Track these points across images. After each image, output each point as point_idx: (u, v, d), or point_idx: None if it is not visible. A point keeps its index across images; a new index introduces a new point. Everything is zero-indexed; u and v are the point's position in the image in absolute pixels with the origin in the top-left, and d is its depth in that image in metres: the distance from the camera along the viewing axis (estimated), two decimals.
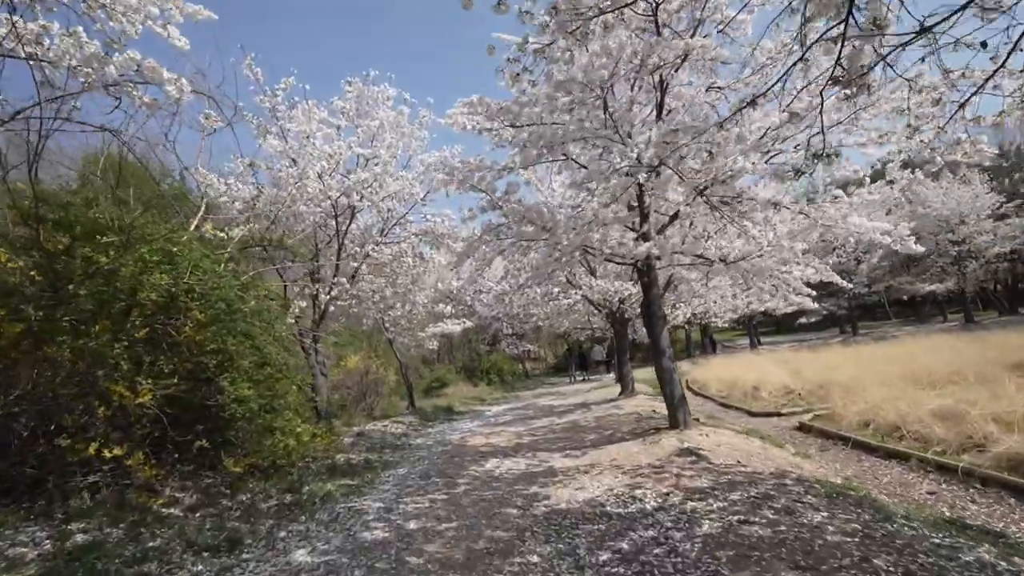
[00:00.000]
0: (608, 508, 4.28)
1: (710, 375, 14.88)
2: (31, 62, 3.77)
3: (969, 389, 7.08)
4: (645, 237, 6.71)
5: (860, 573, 2.72)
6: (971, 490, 4.62)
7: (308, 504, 5.26)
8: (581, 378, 22.37)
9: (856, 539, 3.10)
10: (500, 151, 7.55)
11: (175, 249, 5.05)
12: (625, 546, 3.43)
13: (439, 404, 14.55)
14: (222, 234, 6.55)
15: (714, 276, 10.21)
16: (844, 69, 2.83)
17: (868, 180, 7.34)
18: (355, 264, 9.85)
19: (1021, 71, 3.58)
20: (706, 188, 5.60)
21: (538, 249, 8.56)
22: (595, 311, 13.97)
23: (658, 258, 7.14)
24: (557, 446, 7.38)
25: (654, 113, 6.72)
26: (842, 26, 2.74)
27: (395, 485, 6.00)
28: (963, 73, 3.85)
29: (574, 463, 6.12)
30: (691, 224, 8.54)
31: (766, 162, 5.71)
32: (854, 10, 2.62)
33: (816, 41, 2.81)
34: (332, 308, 9.96)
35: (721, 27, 6.10)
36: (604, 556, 3.32)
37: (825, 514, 3.61)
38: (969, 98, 3.86)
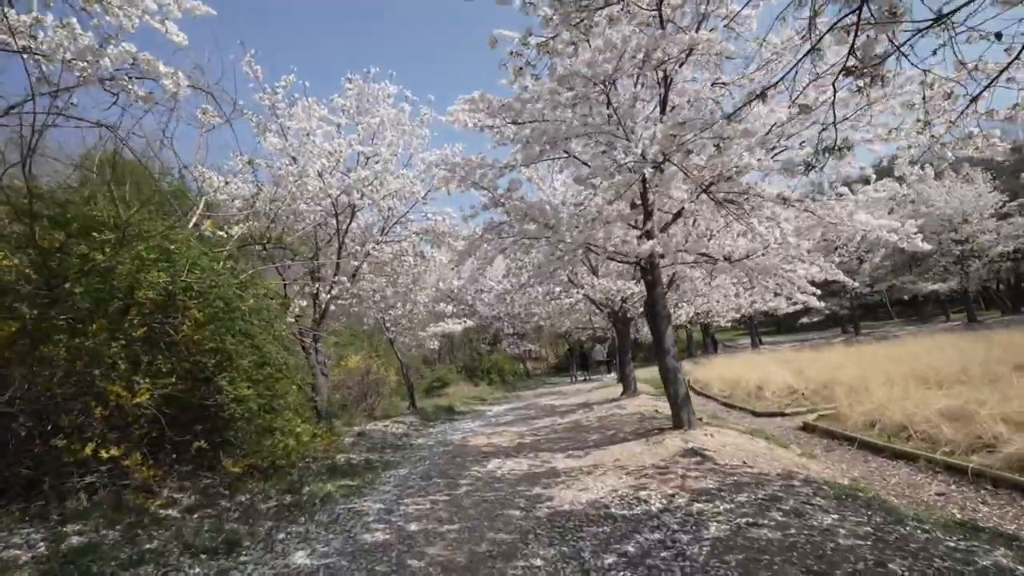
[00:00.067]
0: (612, 510, 4.20)
1: (712, 375, 14.80)
2: (25, 55, 3.70)
3: (976, 389, 7.00)
4: (649, 235, 6.63)
5: None
6: (982, 491, 4.54)
7: (308, 505, 5.19)
8: (582, 378, 22.29)
9: (869, 543, 3.02)
10: (502, 149, 7.48)
11: (173, 247, 4.98)
12: (631, 549, 3.36)
13: (440, 404, 14.48)
14: (221, 232, 6.48)
15: (718, 275, 10.14)
16: (858, 59, 2.75)
17: (874, 177, 7.28)
18: (356, 263, 9.78)
19: None
20: (711, 184, 5.52)
21: (540, 248, 8.49)
22: (597, 310, 13.89)
23: (662, 256, 7.06)
24: (559, 446, 7.30)
25: (657, 110, 6.64)
26: (855, 15, 2.66)
27: (396, 486, 5.93)
28: (976, 66, 3.76)
29: (577, 464, 6.05)
30: (694, 222, 8.46)
31: (772, 158, 5.63)
32: None
33: (829, 30, 2.73)
34: (333, 307, 9.89)
35: (726, 22, 6.02)
36: (609, 560, 3.24)
37: (835, 516, 3.53)
38: (982, 91, 3.78)
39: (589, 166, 6.61)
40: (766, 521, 3.51)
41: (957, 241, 25.30)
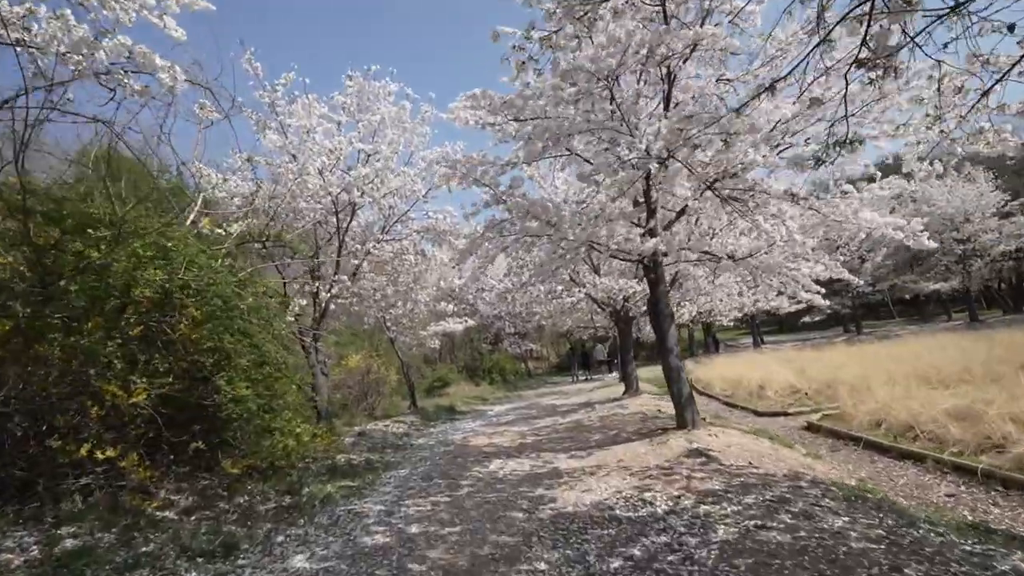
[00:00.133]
0: (617, 512, 4.12)
1: (714, 374, 14.73)
2: (18, 48, 3.63)
3: (983, 388, 6.93)
4: (652, 233, 6.56)
5: None
6: (992, 493, 4.47)
7: (307, 507, 5.12)
8: (584, 377, 22.23)
9: (882, 546, 2.94)
10: (503, 147, 7.40)
11: (170, 244, 4.90)
12: (637, 552, 3.28)
13: (441, 404, 14.41)
14: (220, 230, 6.41)
15: (721, 273, 10.06)
16: (870, 50, 2.68)
17: (879, 175, 7.20)
18: (356, 261, 9.70)
19: None
20: (716, 181, 5.44)
21: (541, 246, 8.41)
22: (598, 309, 13.81)
23: (665, 254, 6.98)
24: (562, 446, 7.23)
25: (661, 106, 6.57)
26: (868, 3, 2.58)
27: (396, 487, 5.85)
28: (988, 59, 3.68)
29: (580, 464, 5.97)
30: (697, 220, 8.39)
31: (778, 155, 5.56)
32: None
33: (842, 19, 2.65)
34: (333, 306, 9.82)
35: (730, 17, 5.96)
36: (615, 564, 3.17)
37: (846, 519, 3.46)
38: (993, 85, 3.70)
39: (592, 164, 6.54)
40: (775, 524, 3.43)
41: (959, 240, 25.23)
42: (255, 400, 5.32)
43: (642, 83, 6.60)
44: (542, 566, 3.26)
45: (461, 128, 6.96)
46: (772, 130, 5.42)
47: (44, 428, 4.45)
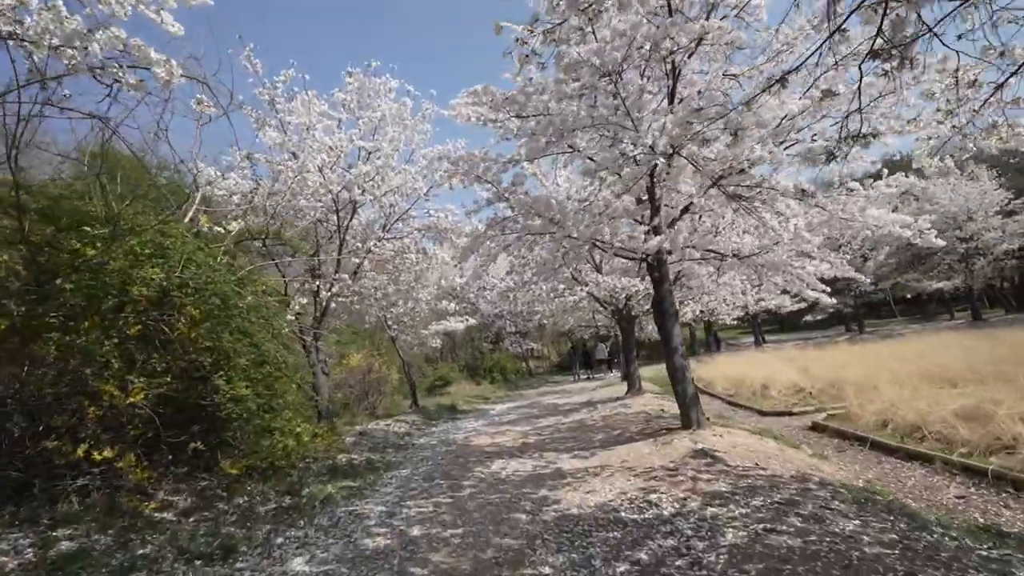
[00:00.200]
0: (622, 514, 4.05)
1: (716, 373, 14.65)
2: (11, 42, 3.55)
3: (990, 388, 6.84)
4: (656, 231, 6.47)
5: None
6: (1003, 494, 4.39)
7: (307, 508, 5.05)
8: (585, 376, 22.16)
9: (896, 551, 2.86)
10: (505, 144, 7.32)
11: (167, 242, 4.83)
12: (644, 557, 3.21)
13: (442, 403, 14.35)
14: (219, 228, 6.33)
15: (725, 272, 9.97)
16: (886, 40, 2.60)
17: (886, 172, 7.12)
18: (357, 260, 9.63)
19: None
20: (721, 178, 5.36)
21: (544, 244, 8.33)
22: (600, 308, 13.73)
23: (669, 252, 6.90)
24: (565, 446, 7.16)
25: (665, 102, 6.48)
26: None
27: (398, 487, 5.79)
28: (1002, 51, 3.59)
29: (583, 464, 5.90)
30: (700, 218, 8.31)
31: (784, 151, 5.47)
32: None
33: (858, 7, 2.56)
34: (333, 305, 9.75)
35: (736, 11, 5.87)
36: (622, 568, 3.10)
37: (857, 522, 3.38)
38: (1008, 78, 3.62)
39: (595, 161, 6.46)
40: (785, 527, 3.36)
41: (962, 239, 25.09)
42: (255, 400, 5.26)
43: (645, 79, 6.52)
44: (547, 571, 3.19)
45: (463, 125, 6.89)
46: (778, 126, 5.34)
47: (41, 428, 4.39)
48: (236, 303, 5.34)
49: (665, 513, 3.94)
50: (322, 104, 8.84)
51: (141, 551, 3.84)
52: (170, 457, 5.03)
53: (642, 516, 3.95)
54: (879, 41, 2.68)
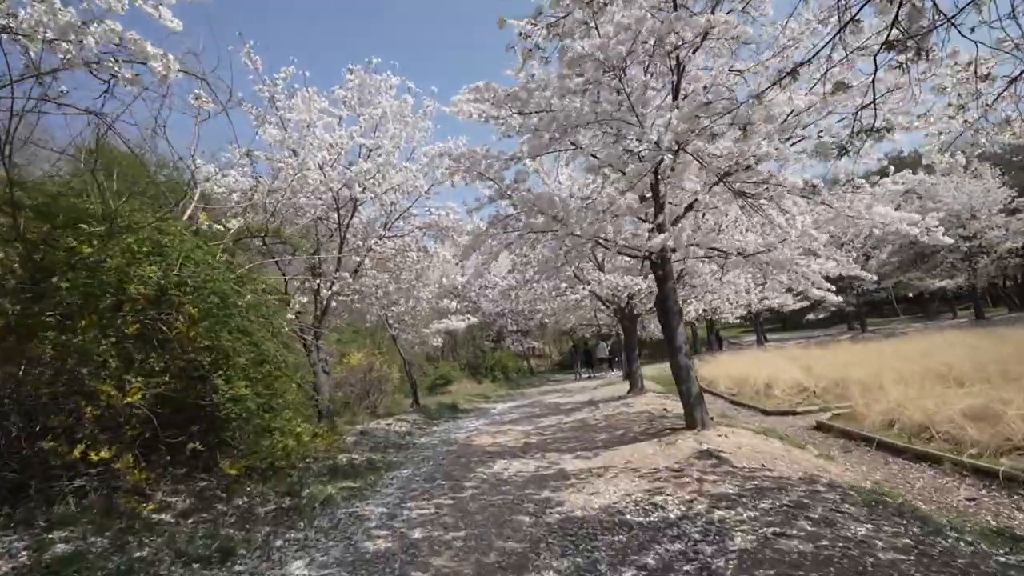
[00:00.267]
0: (627, 516, 3.98)
1: (718, 372, 14.57)
2: (4, 35, 3.48)
3: (998, 387, 6.77)
4: (660, 228, 6.40)
5: None
6: (1015, 496, 4.31)
7: (308, 509, 4.99)
8: (587, 375, 22.08)
9: (911, 557, 2.79)
10: (507, 142, 7.25)
11: (165, 240, 4.76)
12: (651, 561, 3.13)
13: (444, 402, 14.29)
14: (218, 226, 6.26)
15: (730, 270, 9.89)
16: (901, 31, 2.52)
17: (892, 169, 7.02)
18: (358, 258, 9.56)
19: None
20: (728, 174, 5.27)
21: (546, 242, 8.25)
22: (602, 307, 13.65)
23: (673, 250, 6.82)
24: (567, 446, 7.09)
25: (669, 98, 6.40)
26: None
27: (399, 488, 5.72)
28: (1017, 44, 3.51)
29: (586, 465, 5.83)
30: (703, 216, 8.23)
31: (791, 146, 5.39)
32: None
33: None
34: (334, 304, 9.68)
35: (742, 5, 5.78)
36: (628, 573, 3.02)
37: (869, 526, 3.31)
38: (1023, 72, 3.53)
39: (597, 158, 6.37)
40: (795, 531, 3.28)
41: (965, 237, 24.98)
42: (254, 399, 5.19)
43: (649, 75, 6.44)
44: (551, 575, 3.12)
45: (464, 122, 6.82)
46: (784, 122, 5.26)
47: (38, 429, 4.32)
48: (235, 302, 5.27)
49: (671, 516, 3.87)
50: (323, 101, 8.77)
51: (138, 553, 3.78)
52: (168, 458, 4.96)
53: (648, 519, 3.88)
54: (894, 32, 2.60)
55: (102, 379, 4.40)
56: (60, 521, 4.01)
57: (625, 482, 4.95)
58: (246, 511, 4.88)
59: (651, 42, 5.60)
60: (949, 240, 6.84)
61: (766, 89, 3.35)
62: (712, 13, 5.40)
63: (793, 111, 5.32)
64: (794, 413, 9.18)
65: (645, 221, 7.09)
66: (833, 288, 8.29)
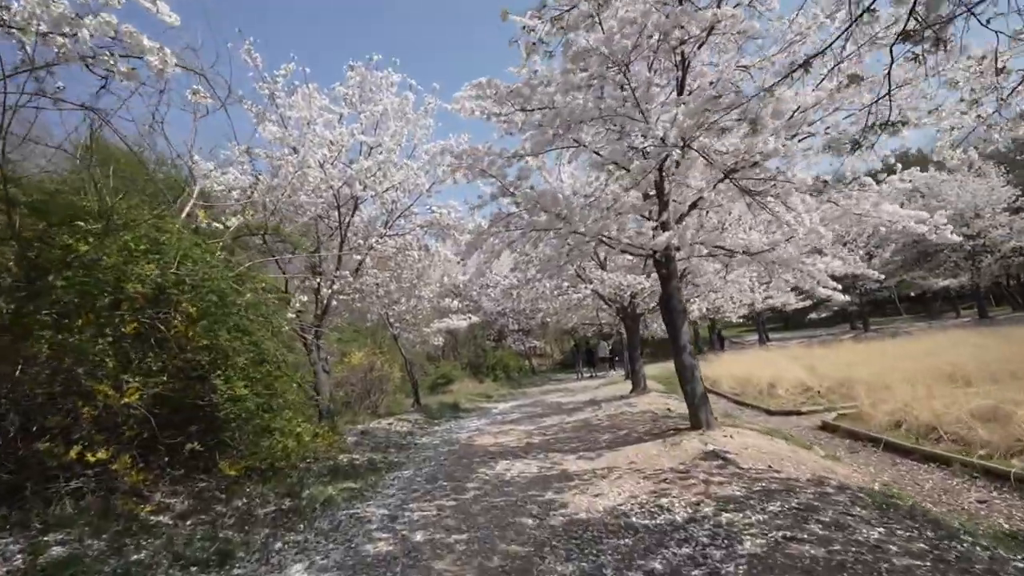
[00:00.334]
0: (633, 519, 3.90)
1: (721, 371, 14.49)
2: None
3: (1007, 388, 6.69)
4: (664, 226, 6.31)
5: None
6: None
7: (308, 510, 4.92)
8: (588, 374, 22.00)
9: (928, 563, 2.71)
10: (509, 140, 7.16)
11: (163, 238, 4.68)
12: (658, 566, 3.06)
13: (445, 401, 14.22)
14: (217, 224, 6.19)
15: (734, 269, 9.80)
16: (919, 20, 2.44)
17: (900, 167, 6.93)
18: (359, 257, 9.48)
19: None
20: (734, 171, 5.19)
21: (548, 241, 8.17)
22: (604, 306, 13.56)
23: (678, 249, 6.74)
24: (570, 447, 7.01)
25: (674, 94, 6.32)
26: None
27: (400, 489, 5.65)
28: None
29: (590, 466, 5.76)
30: (707, 213, 8.14)
31: (799, 142, 5.31)
32: None
33: None
34: (335, 303, 9.61)
35: (748, 0, 5.69)
36: None
37: (881, 530, 3.23)
38: None
39: (601, 156, 6.29)
40: (806, 535, 3.20)
41: (969, 236, 24.84)
42: (254, 399, 5.12)
43: (653, 72, 6.35)
44: None
45: (466, 119, 6.77)
46: (790, 119, 5.17)
47: (34, 429, 4.26)
48: (234, 300, 5.20)
49: (678, 519, 3.79)
50: (323, 98, 8.67)
51: (135, 556, 3.72)
52: (167, 458, 4.90)
53: (654, 521, 3.80)
54: (911, 23, 2.52)
55: (99, 379, 4.34)
56: (56, 523, 3.95)
57: (630, 483, 4.88)
58: (245, 513, 4.81)
59: (656, 37, 5.52)
60: (958, 238, 6.75)
61: (778, 81, 3.28)
62: (718, 7, 5.32)
63: (800, 107, 5.23)
64: (799, 413, 9.10)
65: (649, 219, 7.01)
66: (839, 287, 8.20)
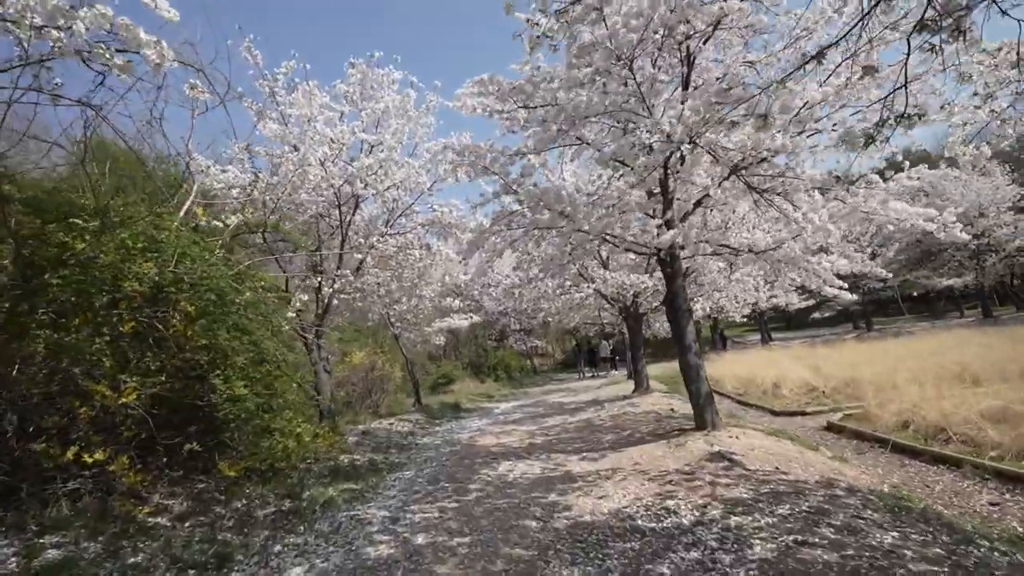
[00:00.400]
0: (639, 522, 3.83)
1: (724, 371, 14.41)
2: None
3: (1017, 388, 6.60)
4: (669, 224, 6.23)
5: None
6: None
7: (308, 512, 4.85)
8: (590, 374, 21.92)
9: (945, 569, 2.63)
10: (511, 137, 7.10)
11: (161, 235, 4.62)
12: (666, 571, 2.98)
13: (446, 401, 14.16)
14: (216, 221, 6.12)
15: (739, 268, 9.71)
16: (938, 9, 2.36)
17: (907, 164, 6.85)
18: (360, 256, 9.41)
19: None
20: (741, 168, 5.11)
21: (551, 240, 8.10)
22: (607, 305, 13.48)
23: (682, 247, 6.66)
24: (573, 447, 6.94)
25: (678, 91, 6.24)
26: None
27: (401, 490, 5.58)
28: None
29: (593, 467, 5.68)
30: (711, 211, 8.06)
31: (807, 138, 5.22)
32: None
33: None
34: (336, 302, 9.54)
35: None
36: None
37: (895, 534, 3.15)
38: None
39: (602, 153, 6.21)
40: (817, 539, 3.12)
41: (973, 235, 24.68)
42: (253, 399, 5.05)
43: (657, 68, 6.27)
44: None
45: (468, 117, 6.68)
46: (797, 115, 5.08)
47: (31, 430, 4.19)
48: (234, 299, 5.13)
49: (685, 522, 3.71)
50: (324, 96, 8.60)
51: (132, 559, 3.66)
52: (165, 459, 4.83)
53: (660, 525, 3.73)
54: (929, 12, 2.44)
55: (96, 379, 4.27)
56: (53, 525, 3.88)
57: (634, 485, 4.80)
58: (245, 514, 4.75)
59: (661, 32, 5.44)
60: (967, 237, 6.66)
61: (791, 73, 3.20)
62: (725, 0, 5.24)
63: (808, 103, 5.15)
64: (804, 413, 9.02)
65: (653, 217, 6.93)
66: (845, 285, 8.11)
